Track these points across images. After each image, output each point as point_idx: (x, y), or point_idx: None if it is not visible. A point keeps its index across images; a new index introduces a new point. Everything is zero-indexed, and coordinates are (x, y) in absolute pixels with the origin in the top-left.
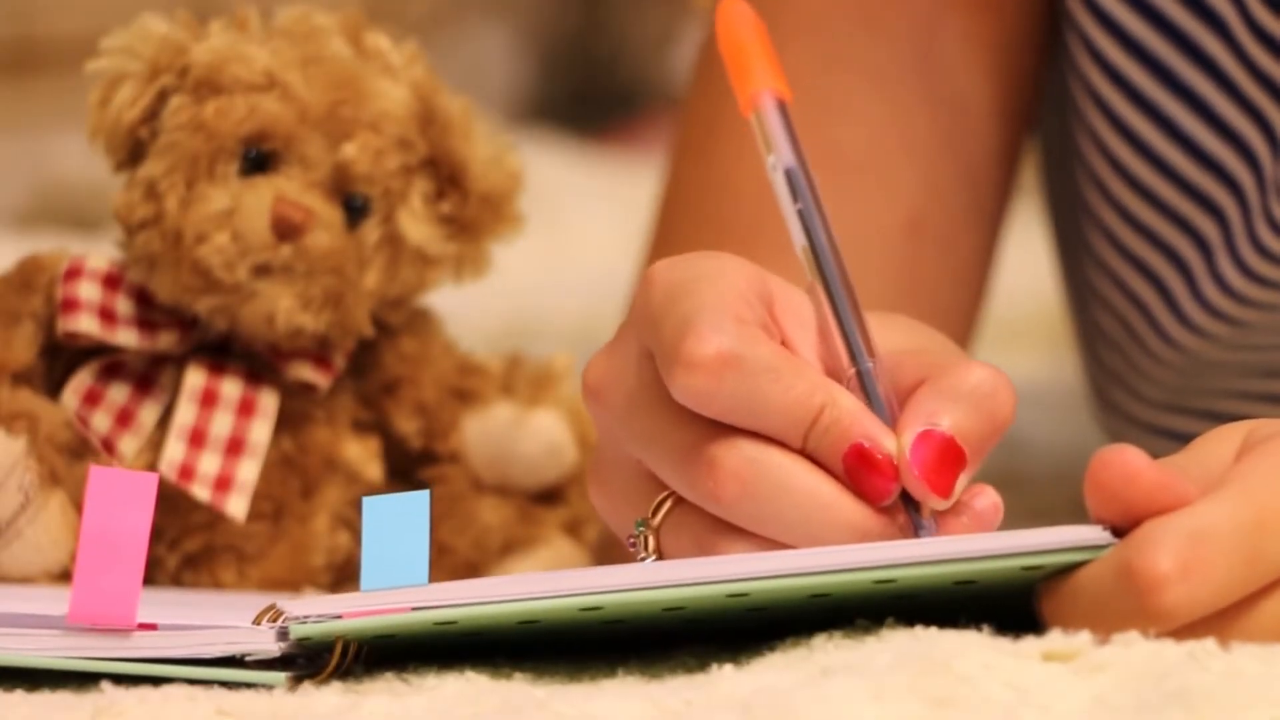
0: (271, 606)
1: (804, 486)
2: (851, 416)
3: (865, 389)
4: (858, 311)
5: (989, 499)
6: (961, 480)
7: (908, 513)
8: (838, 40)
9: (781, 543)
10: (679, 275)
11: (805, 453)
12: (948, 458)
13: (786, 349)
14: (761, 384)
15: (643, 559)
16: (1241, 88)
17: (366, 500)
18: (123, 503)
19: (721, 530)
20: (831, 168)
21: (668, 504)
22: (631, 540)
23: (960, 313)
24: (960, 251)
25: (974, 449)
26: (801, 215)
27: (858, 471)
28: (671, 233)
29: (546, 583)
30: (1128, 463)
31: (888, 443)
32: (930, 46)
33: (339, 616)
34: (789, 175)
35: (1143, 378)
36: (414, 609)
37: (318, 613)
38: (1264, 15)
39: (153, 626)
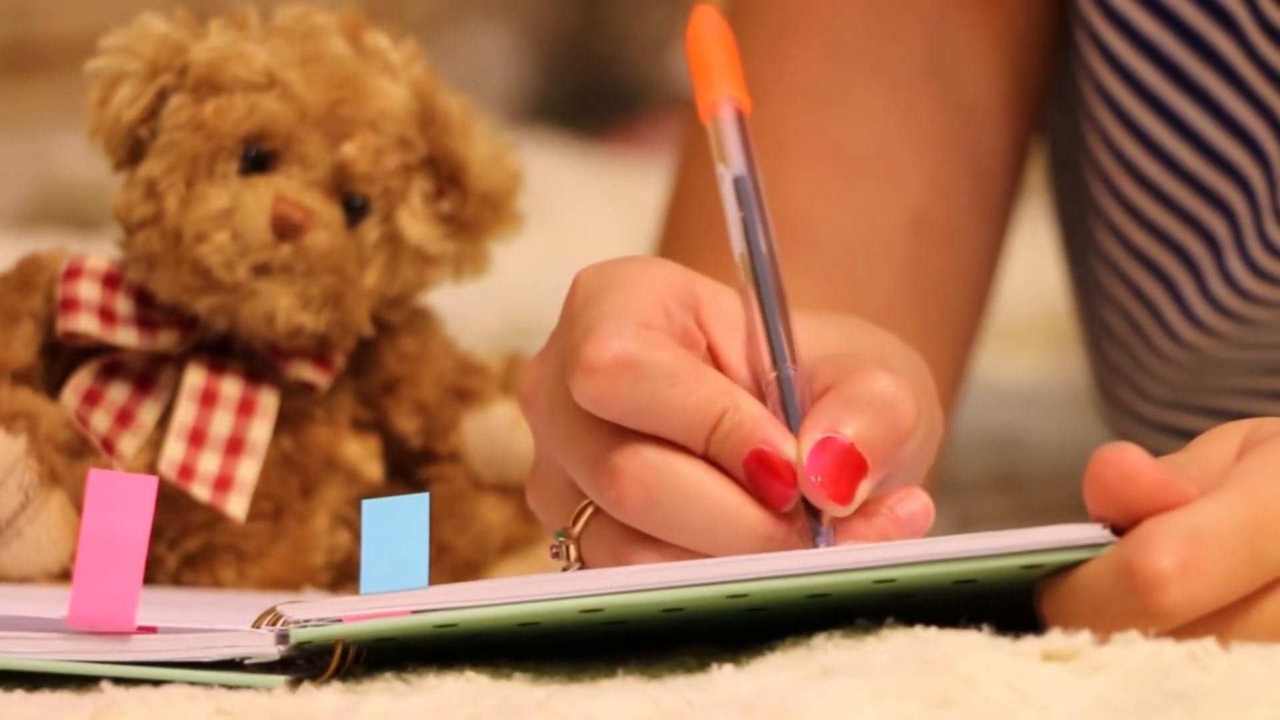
0: (271, 610)
1: (706, 492)
2: (753, 421)
3: (784, 395)
4: (786, 318)
5: (918, 502)
6: (863, 487)
7: (806, 519)
8: (847, 38)
9: (689, 550)
10: (598, 280)
11: (708, 458)
12: (847, 465)
13: (712, 353)
14: (660, 388)
15: (564, 568)
16: (1252, 85)
17: (366, 503)
18: (122, 506)
19: (633, 540)
20: (838, 165)
21: (588, 512)
22: (554, 549)
23: (966, 310)
24: (966, 249)
25: (876, 457)
26: (744, 223)
27: (758, 476)
28: (676, 234)
29: (546, 585)
30: (1127, 461)
31: (788, 448)
32: (939, 45)
33: (339, 620)
34: (737, 184)
35: (1149, 376)
36: (414, 612)
37: (318, 617)
38: (1275, 12)
39: (152, 629)
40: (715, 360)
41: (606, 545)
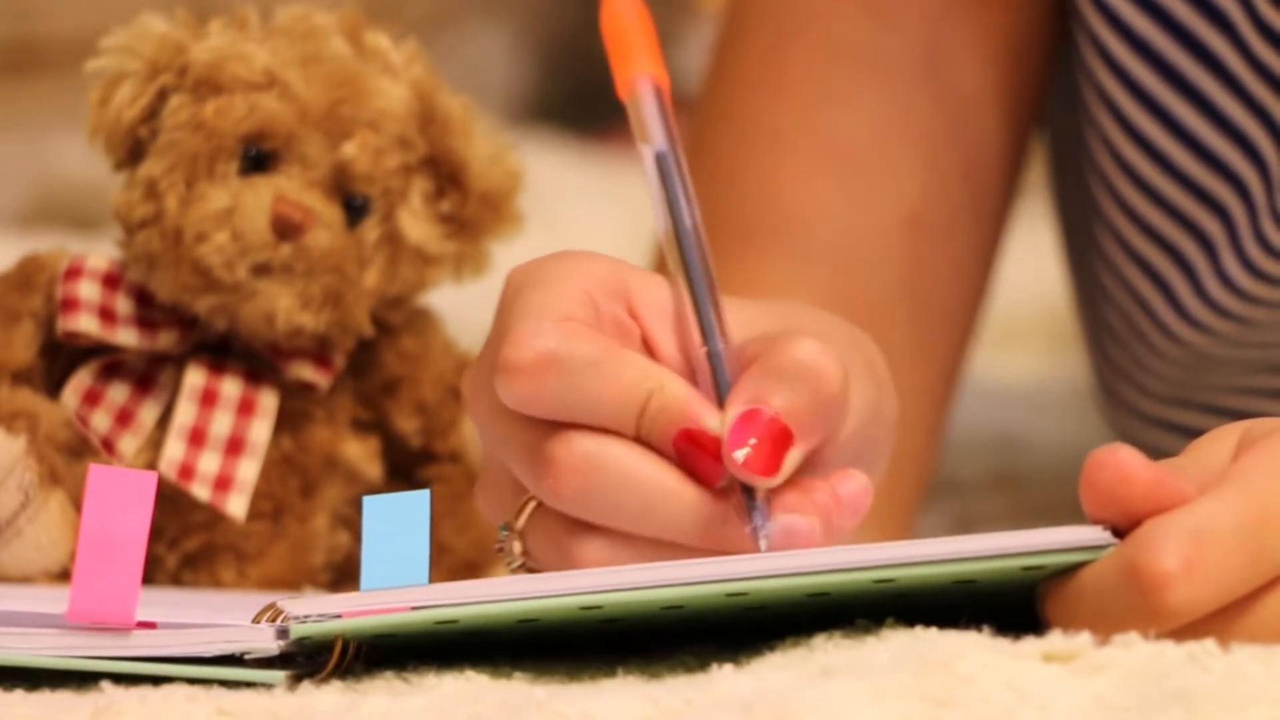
0: (271, 605)
1: (641, 475)
2: (680, 400)
3: (714, 370)
4: (714, 296)
5: (856, 483)
6: (791, 457)
7: (741, 494)
8: (844, 34)
9: (630, 534)
10: (523, 279)
11: (640, 441)
12: (771, 436)
13: (646, 342)
14: (585, 379)
15: (509, 564)
16: (1248, 87)
17: (367, 500)
18: (122, 502)
19: (575, 530)
20: (834, 160)
21: (530, 506)
22: (499, 545)
23: (961, 307)
24: (960, 246)
25: (802, 426)
26: (667, 201)
27: (689, 454)
28: None
29: (546, 582)
30: (1122, 462)
31: (714, 423)
32: (937, 42)
33: (339, 616)
34: (659, 160)
35: (1149, 373)
36: (414, 608)
37: (318, 612)
38: (1270, 13)
39: (152, 625)
40: (649, 349)
41: (549, 538)
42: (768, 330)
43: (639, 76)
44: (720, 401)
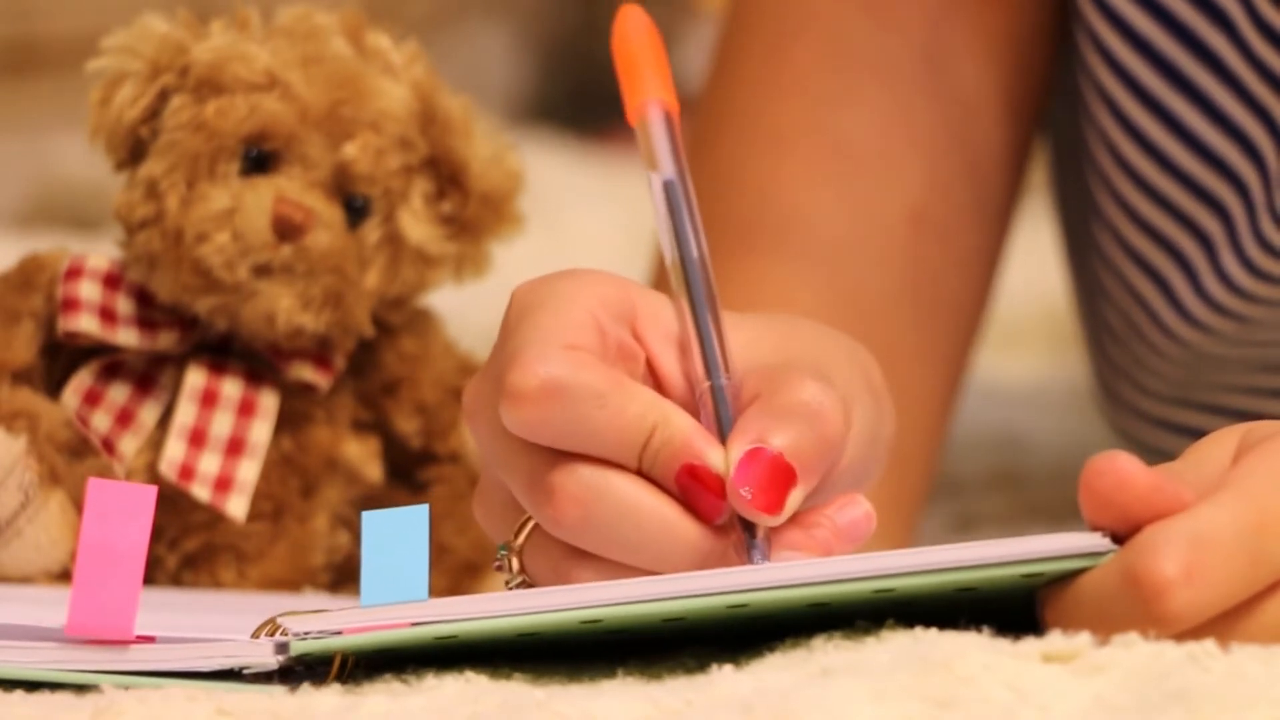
0: (270, 620)
1: (642, 509)
2: (683, 435)
3: (717, 406)
4: (718, 326)
5: (859, 509)
6: (794, 497)
7: (741, 531)
8: (846, 33)
9: (629, 565)
10: (529, 298)
11: (642, 474)
12: (775, 475)
13: (649, 364)
14: (589, 410)
15: (507, 581)
16: (1247, 85)
17: (366, 515)
18: (121, 515)
19: (573, 556)
20: (836, 160)
21: (529, 526)
22: (498, 562)
23: (965, 306)
24: (963, 245)
25: (804, 465)
26: (675, 230)
27: (690, 490)
28: None
29: (546, 597)
30: (1120, 469)
31: (717, 461)
32: (938, 42)
33: (339, 633)
34: (667, 188)
35: (1148, 372)
36: (414, 624)
37: (318, 629)
38: (1270, 12)
39: (151, 639)
40: (652, 372)
41: (547, 560)
42: (771, 353)
43: (649, 103)
44: (723, 437)
